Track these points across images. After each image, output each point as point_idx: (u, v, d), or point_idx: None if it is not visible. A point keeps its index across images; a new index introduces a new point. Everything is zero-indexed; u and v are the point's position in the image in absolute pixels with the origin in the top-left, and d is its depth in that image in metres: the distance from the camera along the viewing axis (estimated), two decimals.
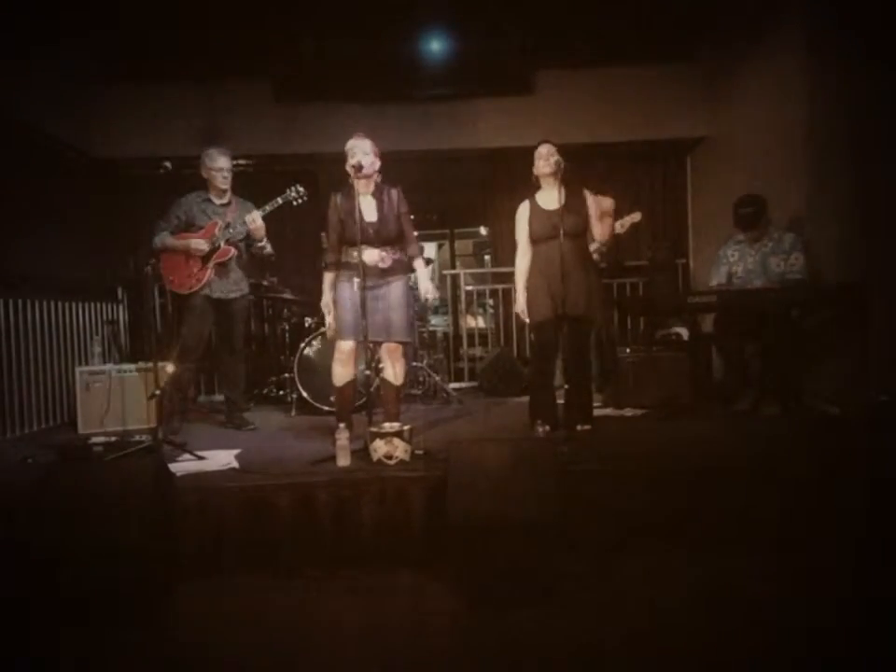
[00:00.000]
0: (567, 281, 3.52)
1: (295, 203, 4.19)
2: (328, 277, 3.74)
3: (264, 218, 4.22)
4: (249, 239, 4.29)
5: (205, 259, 4.19)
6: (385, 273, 3.65)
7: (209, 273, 4.20)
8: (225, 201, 4.32)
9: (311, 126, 6.05)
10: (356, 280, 3.53)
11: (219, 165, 4.21)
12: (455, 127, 6.21)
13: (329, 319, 3.74)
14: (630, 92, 6.13)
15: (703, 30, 5.89)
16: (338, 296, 3.70)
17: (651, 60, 6.06)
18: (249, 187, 4.74)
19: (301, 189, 4.19)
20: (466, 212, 8.28)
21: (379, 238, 3.61)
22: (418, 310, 5.51)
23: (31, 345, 4.64)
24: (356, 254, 3.56)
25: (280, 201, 4.19)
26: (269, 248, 4.37)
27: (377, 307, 3.61)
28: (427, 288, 3.82)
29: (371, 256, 3.58)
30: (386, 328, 3.65)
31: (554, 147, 3.70)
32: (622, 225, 4.22)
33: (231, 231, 4.21)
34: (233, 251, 4.23)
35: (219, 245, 4.20)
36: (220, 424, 4.62)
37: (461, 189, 7.30)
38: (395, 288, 3.68)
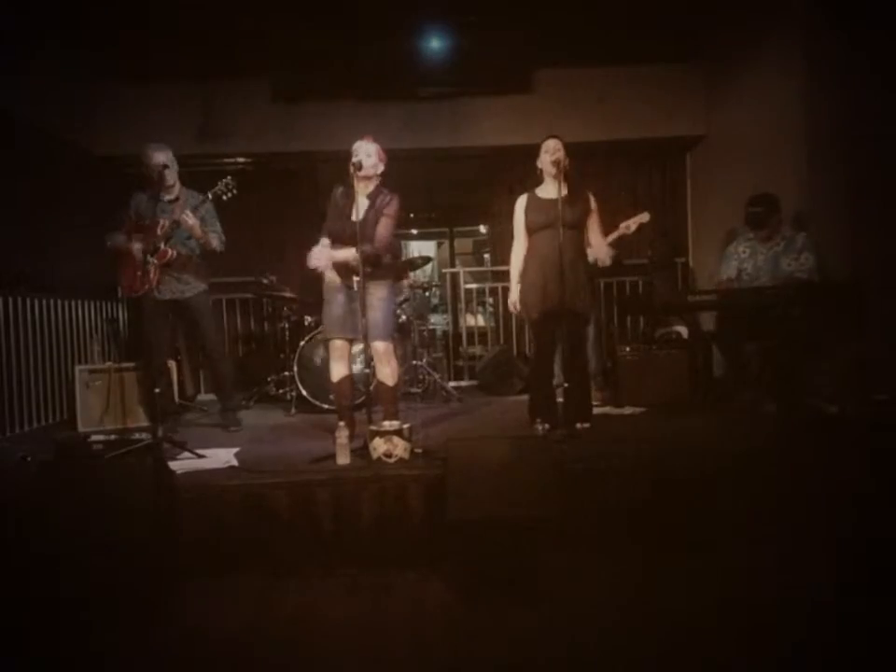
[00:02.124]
0: (564, 273, 3.54)
1: (224, 196, 4.08)
2: (325, 240, 3.72)
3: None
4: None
5: (148, 261, 4.07)
6: (367, 276, 3.63)
7: (153, 275, 4.08)
8: (172, 196, 4.23)
9: (309, 125, 6.04)
10: (355, 279, 3.54)
11: (154, 162, 4.05)
12: (455, 125, 6.21)
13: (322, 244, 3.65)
14: (629, 91, 6.13)
15: (702, 29, 5.88)
16: (326, 292, 3.76)
17: (651, 58, 6.06)
18: (248, 185, 4.73)
19: (229, 181, 4.07)
20: (465, 210, 8.28)
21: (361, 239, 3.55)
22: (412, 309, 5.52)
23: (30, 343, 4.64)
24: (344, 253, 3.63)
25: (209, 196, 4.11)
26: (215, 244, 4.23)
27: (358, 308, 3.60)
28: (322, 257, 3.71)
29: (347, 255, 3.58)
30: (367, 327, 3.63)
31: (561, 143, 3.72)
32: (627, 227, 4.21)
33: (172, 229, 4.10)
34: (172, 252, 4.13)
35: (160, 247, 4.10)
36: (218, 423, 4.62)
37: (461, 188, 7.30)
38: (377, 290, 3.66)
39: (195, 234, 4.13)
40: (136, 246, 4.08)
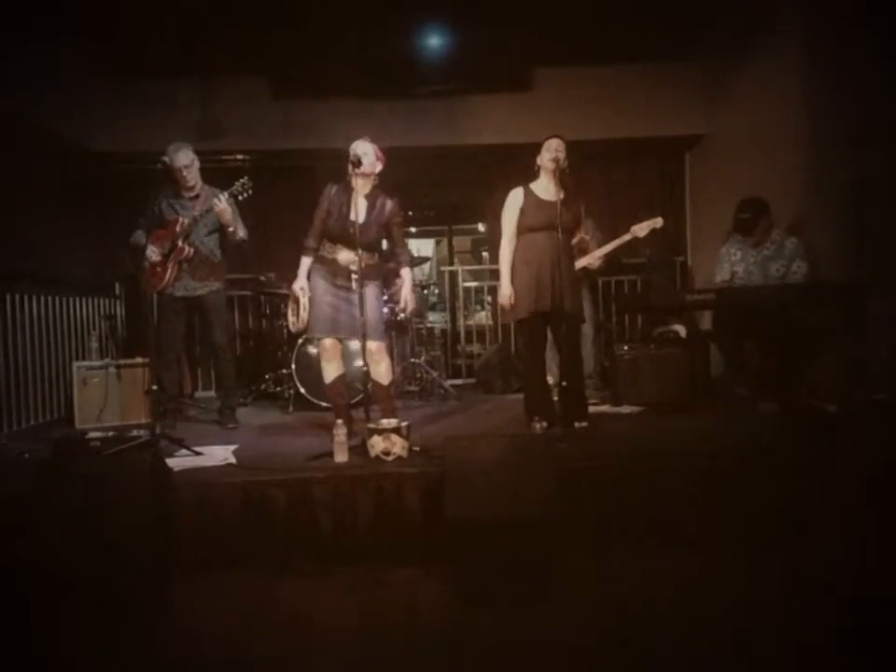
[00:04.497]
0: (560, 275, 3.56)
1: (241, 196, 4.12)
2: (305, 262, 3.73)
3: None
4: (221, 227, 4.24)
5: (166, 258, 4.15)
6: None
7: (170, 272, 4.15)
8: (193, 194, 4.25)
9: (309, 122, 6.03)
10: (354, 277, 3.55)
11: (178, 164, 4.10)
12: (454, 123, 6.20)
13: (303, 301, 3.68)
14: (629, 89, 6.13)
15: (702, 28, 5.88)
16: (313, 291, 3.72)
17: (650, 57, 6.05)
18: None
19: (246, 182, 4.10)
20: (464, 208, 8.27)
21: (360, 240, 3.56)
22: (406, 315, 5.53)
23: (28, 340, 4.63)
24: (333, 251, 3.69)
25: (226, 195, 4.12)
26: (241, 233, 4.28)
27: (351, 308, 3.61)
28: (408, 299, 3.88)
29: (348, 257, 3.61)
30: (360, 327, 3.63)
31: (564, 144, 3.72)
32: (640, 229, 4.17)
33: (191, 226, 4.13)
34: (189, 250, 4.16)
35: (177, 244, 4.13)
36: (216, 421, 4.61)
37: (459, 186, 7.30)
38: (368, 290, 3.65)
39: (225, 220, 4.14)
40: (150, 250, 4.09)
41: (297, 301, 3.72)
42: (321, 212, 3.70)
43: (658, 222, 4.11)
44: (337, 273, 3.69)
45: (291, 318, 3.77)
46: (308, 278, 3.73)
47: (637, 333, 6.28)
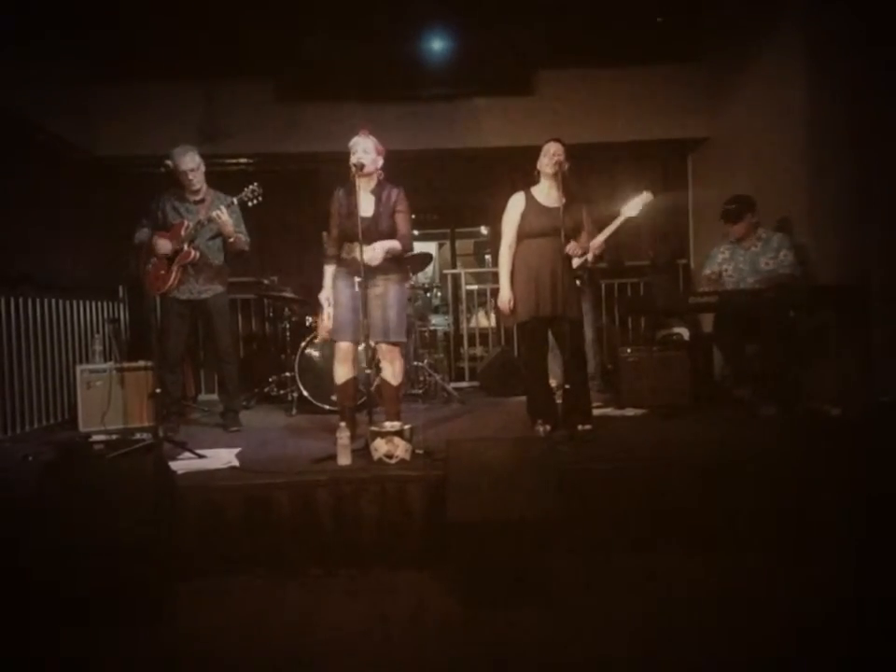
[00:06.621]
0: (561, 280, 3.56)
1: (250, 203, 4.11)
2: (328, 270, 3.77)
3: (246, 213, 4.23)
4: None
5: (171, 261, 4.14)
6: (379, 272, 3.64)
7: (174, 275, 4.13)
8: (198, 198, 4.24)
9: (312, 125, 6.04)
10: (356, 279, 3.55)
11: (183, 168, 4.09)
12: (456, 127, 6.21)
13: (328, 310, 3.72)
14: (631, 93, 6.13)
15: (704, 31, 5.89)
16: (335, 294, 3.73)
17: (652, 60, 6.06)
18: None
19: (256, 188, 4.10)
20: (466, 211, 8.26)
21: (372, 235, 3.58)
22: (415, 310, 5.53)
23: (32, 343, 4.64)
24: (350, 249, 3.67)
25: (235, 201, 4.12)
26: (243, 243, 4.28)
27: (373, 306, 3.62)
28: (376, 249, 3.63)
29: (365, 253, 3.58)
30: (381, 328, 3.66)
31: (563, 148, 3.71)
32: (630, 209, 4.12)
33: (196, 230, 4.13)
34: (195, 254, 4.15)
35: (183, 248, 4.13)
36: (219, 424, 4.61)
37: (461, 189, 7.29)
38: (391, 289, 3.67)
39: (226, 231, 4.14)
40: (161, 244, 4.08)
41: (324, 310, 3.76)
42: (334, 217, 3.72)
43: (648, 197, 4.03)
44: (358, 271, 3.63)
45: (324, 331, 3.83)
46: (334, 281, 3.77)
47: (639, 336, 6.27)
